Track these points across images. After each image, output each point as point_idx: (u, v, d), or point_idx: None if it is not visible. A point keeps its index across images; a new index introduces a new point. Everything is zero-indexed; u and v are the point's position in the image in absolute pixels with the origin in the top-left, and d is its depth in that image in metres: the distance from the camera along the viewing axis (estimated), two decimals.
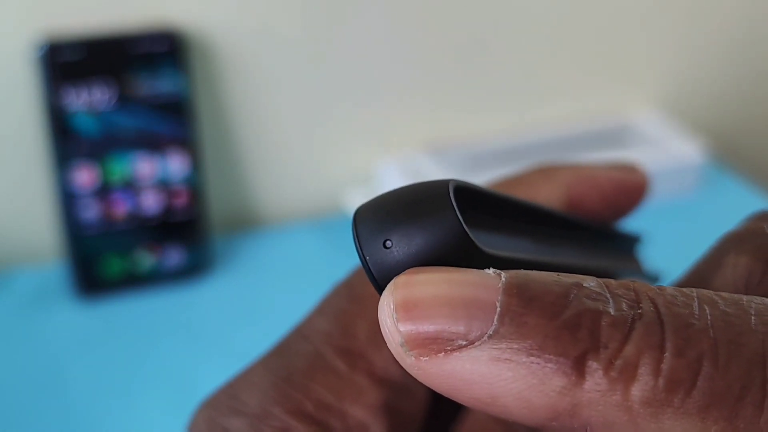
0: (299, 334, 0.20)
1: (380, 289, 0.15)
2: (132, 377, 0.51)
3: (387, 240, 0.15)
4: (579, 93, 0.72)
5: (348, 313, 0.20)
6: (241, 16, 0.59)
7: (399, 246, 0.15)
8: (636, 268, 0.25)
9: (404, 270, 0.14)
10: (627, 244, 0.25)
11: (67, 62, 0.54)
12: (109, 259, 0.57)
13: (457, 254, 0.14)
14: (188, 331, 0.55)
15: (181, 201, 0.58)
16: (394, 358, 0.19)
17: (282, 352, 0.20)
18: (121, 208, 0.57)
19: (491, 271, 0.14)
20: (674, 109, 0.75)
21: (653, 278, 0.26)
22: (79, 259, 0.57)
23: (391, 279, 0.14)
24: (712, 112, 0.77)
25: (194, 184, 0.58)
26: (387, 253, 0.15)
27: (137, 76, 0.55)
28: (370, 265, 0.15)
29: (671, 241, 0.63)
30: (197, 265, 0.59)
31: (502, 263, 0.15)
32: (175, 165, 0.58)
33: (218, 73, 0.60)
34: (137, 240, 0.58)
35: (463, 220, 0.15)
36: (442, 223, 0.14)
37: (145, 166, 0.57)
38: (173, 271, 0.59)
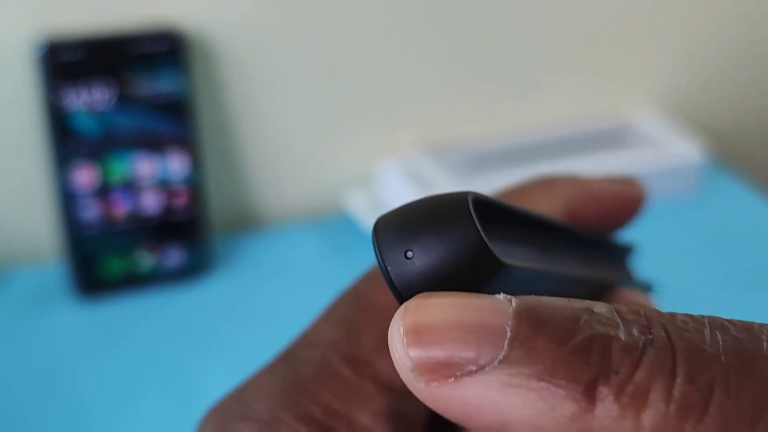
0: (306, 341, 0.21)
1: (401, 299, 0.15)
2: (132, 377, 0.51)
3: (408, 250, 0.15)
4: (579, 94, 0.72)
5: (354, 321, 0.20)
6: (241, 16, 0.59)
7: (420, 256, 0.15)
8: (628, 278, 0.25)
9: (426, 280, 0.15)
10: (620, 255, 0.26)
11: (67, 62, 0.54)
12: (109, 259, 0.57)
13: (477, 265, 0.15)
14: (188, 331, 0.55)
15: (181, 201, 0.58)
16: None
17: (289, 358, 0.20)
18: (121, 208, 0.57)
19: (501, 296, 0.14)
20: (674, 109, 0.75)
21: (645, 288, 0.26)
22: (79, 259, 0.57)
23: (413, 289, 0.15)
24: (711, 112, 0.77)
25: (194, 184, 0.58)
26: (408, 264, 0.15)
27: (137, 76, 0.55)
28: (391, 275, 0.15)
29: (672, 241, 0.63)
30: (197, 265, 0.59)
31: (517, 273, 0.15)
32: (175, 165, 0.58)
33: (218, 73, 0.60)
34: (137, 240, 0.58)
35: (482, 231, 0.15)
36: (462, 234, 0.15)
37: (145, 166, 0.57)
38: (173, 271, 0.59)
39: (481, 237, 0.15)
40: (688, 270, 0.59)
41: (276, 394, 0.19)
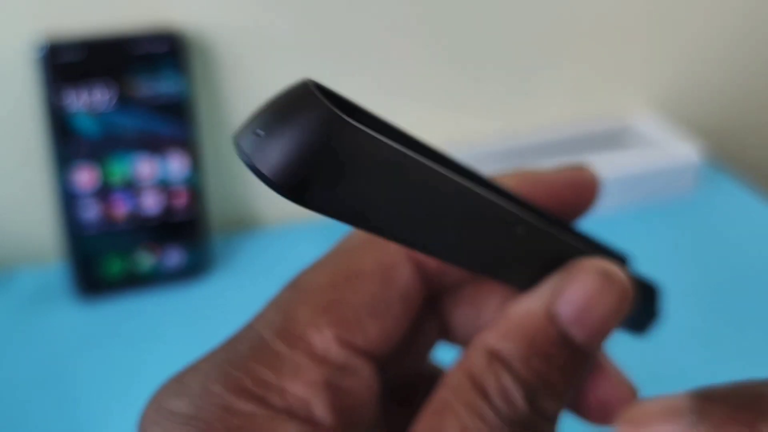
0: (247, 325, 0.22)
1: (257, 173, 0.15)
2: (133, 376, 0.52)
3: (257, 129, 0.16)
4: (577, 95, 0.72)
5: (289, 300, 0.21)
6: (240, 18, 0.59)
7: (267, 130, 0.15)
8: (591, 246, 0.24)
9: (274, 146, 0.15)
10: (591, 243, 0.25)
11: (68, 63, 0.54)
12: (110, 259, 0.58)
13: (319, 123, 0.15)
14: (188, 331, 0.55)
15: (181, 201, 0.59)
16: (336, 339, 0.20)
17: (229, 341, 0.21)
18: (122, 208, 0.57)
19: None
20: (671, 111, 0.75)
21: (620, 258, 0.25)
22: (80, 259, 0.57)
23: (267, 160, 0.15)
24: (707, 114, 0.77)
25: (194, 185, 0.59)
26: (258, 140, 0.15)
27: (137, 77, 0.56)
28: (244, 150, 0.16)
29: (670, 239, 0.63)
30: (197, 265, 0.60)
31: (367, 140, 0.16)
32: (175, 165, 0.58)
33: (218, 74, 0.60)
34: (137, 240, 0.58)
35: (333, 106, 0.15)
36: (300, 97, 0.15)
37: (145, 167, 0.57)
38: (173, 271, 0.59)
39: (314, 94, 0.15)
40: (686, 267, 0.60)
41: (210, 370, 0.20)
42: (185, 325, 0.56)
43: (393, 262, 0.22)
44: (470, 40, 0.66)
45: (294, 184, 0.15)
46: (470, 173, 0.22)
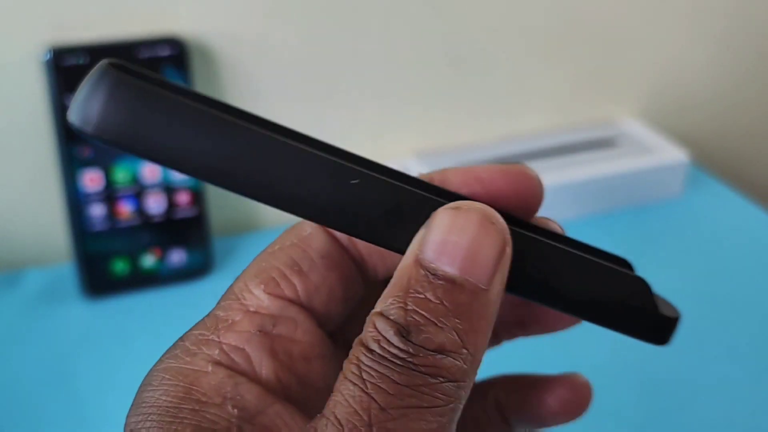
0: None
1: (81, 132, 0.19)
2: (136, 373, 0.52)
3: (73, 100, 0.20)
4: (564, 104, 0.73)
5: (233, 284, 0.25)
6: (242, 25, 0.60)
7: (78, 98, 0.19)
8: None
9: (84, 109, 0.19)
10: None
11: (73, 67, 0.55)
12: (115, 260, 0.59)
13: (108, 84, 0.19)
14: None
15: (183, 204, 0.60)
16: (265, 293, 0.23)
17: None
18: (126, 210, 0.58)
19: None
20: (653, 121, 0.77)
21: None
22: (87, 259, 0.58)
23: (82, 121, 0.19)
24: (689, 124, 0.79)
25: (196, 188, 0.60)
26: (73, 107, 0.19)
27: None
28: (70, 117, 0.19)
29: (659, 239, 0.65)
30: (199, 266, 0.61)
31: (149, 92, 0.19)
32: None
33: (220, 79, 0.61)
34: (141, 242, 0.59)
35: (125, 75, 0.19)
36: (96, 71, 0.19)
37: (149, 170, 0.58)
38: (176, 271, 0.60)
39: (105, 68, 0.19)
40: (676, 266, 0.61)
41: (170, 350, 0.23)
42: (188, 323, 0.57)
43: (309, 233, 0.26)
44: (463, 50, 0.67)
45: (105, 135, 0.19)
46: (305, 138, 0.24)
